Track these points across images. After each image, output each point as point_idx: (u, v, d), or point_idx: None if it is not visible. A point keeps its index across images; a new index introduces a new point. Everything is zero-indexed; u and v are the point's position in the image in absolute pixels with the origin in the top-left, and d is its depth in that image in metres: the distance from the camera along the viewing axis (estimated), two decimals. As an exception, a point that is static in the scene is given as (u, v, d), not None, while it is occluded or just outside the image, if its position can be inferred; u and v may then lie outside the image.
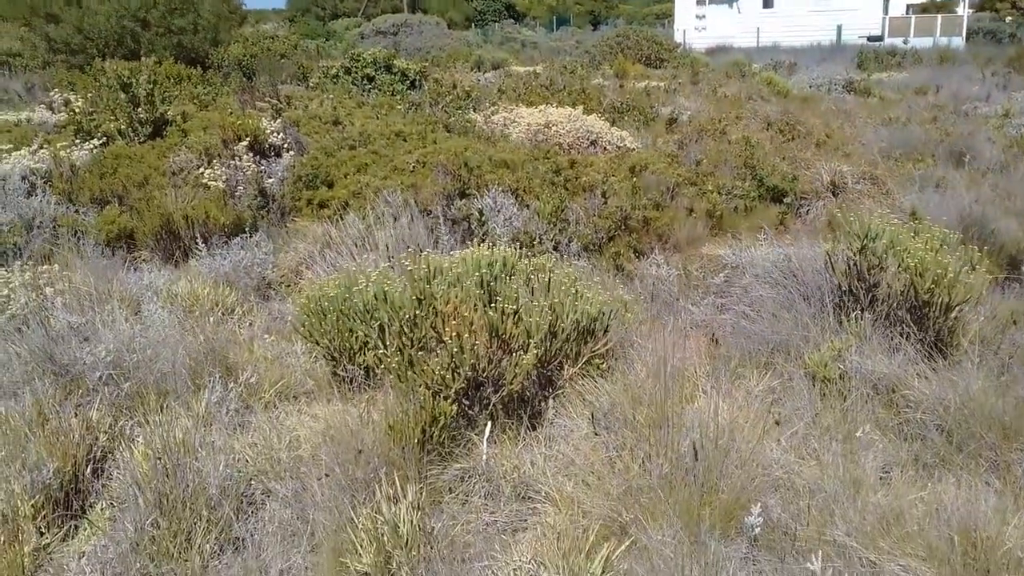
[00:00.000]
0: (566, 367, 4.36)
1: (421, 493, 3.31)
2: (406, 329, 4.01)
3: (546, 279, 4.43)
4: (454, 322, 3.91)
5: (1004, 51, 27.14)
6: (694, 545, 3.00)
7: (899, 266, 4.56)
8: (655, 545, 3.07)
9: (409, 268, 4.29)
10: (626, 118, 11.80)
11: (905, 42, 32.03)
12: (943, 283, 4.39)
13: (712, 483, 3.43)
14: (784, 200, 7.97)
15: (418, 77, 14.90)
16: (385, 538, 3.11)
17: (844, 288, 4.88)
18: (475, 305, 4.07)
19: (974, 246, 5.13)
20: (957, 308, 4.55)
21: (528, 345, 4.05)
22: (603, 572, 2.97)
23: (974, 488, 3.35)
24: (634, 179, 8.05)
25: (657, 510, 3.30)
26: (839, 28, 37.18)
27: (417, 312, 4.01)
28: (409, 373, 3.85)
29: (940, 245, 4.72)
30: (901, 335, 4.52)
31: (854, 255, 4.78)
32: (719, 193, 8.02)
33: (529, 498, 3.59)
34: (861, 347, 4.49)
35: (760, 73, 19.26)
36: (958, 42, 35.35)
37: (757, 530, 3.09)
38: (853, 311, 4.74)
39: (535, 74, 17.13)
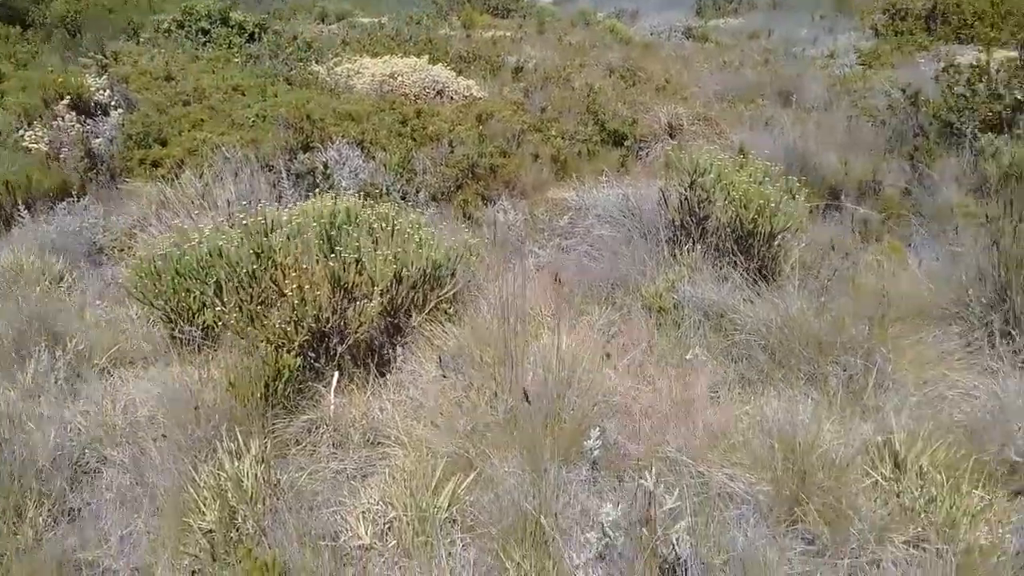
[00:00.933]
0: (414, 314, 4.38)
1: (266, 447, 3.28)
2: (245, 284, 3.93)
3: (389, 228, 4.42)
4: (294, 274, 3.86)
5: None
6: (536, 473, 3.11)
7: (726, 199, 4.80)
8: (500, 476, 3.17)
9: (245, 222, 4.18)
10: (473, 67, 11.77)
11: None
12: (765, 213, 4.65)
13: (555, 413, 3.55)
14: (625, 143, 8.20)
15: (257, 30, 14.33)
16: (229, 494, 3.07)
17: (677, 223, 5.09)
18: (316, 257, 4.02)
19: (795, 177, 5.46)
20: (779, 236, 4.85)
21: (373, 294, 4.05)
22: (449, 505, 3.04)
23: (793, 399, 3.61)
24: (480, 127, 8.09)
25: (503, 443, 3.40)
26: (679, -24, 38.02)
27: (255, 267, 3.93)
28: (249, 329, 3.78)
29: (763, 178, 4.98)
30: (730, 264, 4.78)
31: (685, 191, 4.99)
32: (563, 139, 8.17)
33: (379, 443, 3.62)
34: (693, 277, 4.71)
35: (604, 21, 19.56)
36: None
37: (596, 453, 3.23)
38: (686, 244, 4.96)
39: (380, 25, 16.79)
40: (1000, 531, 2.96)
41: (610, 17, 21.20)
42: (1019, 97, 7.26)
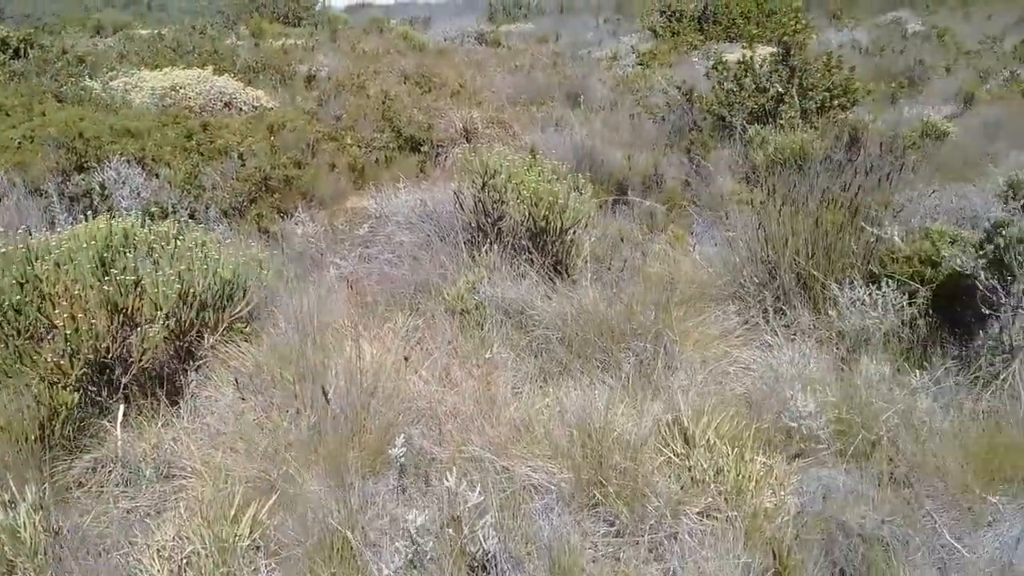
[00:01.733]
0: (207, 336, 4.18)
1: (44, 492, 3.02)
2: (9, 319, 3.60)
3: (172, 247, 4.19)
4: (65, 303, 3.58)
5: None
6: (341, 488, 3.05)
7: (517, 198, 4.90)
8: (304, 495, 3.08)
9: (2, 251, 3.83)
10: (262, 77, 11.42)
11: (529, -5, 34.11)
12: (556, 209, 4.80)
13: (360, 424, 3.50)
14: (422, 149, 8.22)
15: (22, 45, 13.25)
16: (5, 547, 2.81)
17: (474, 224, 5.15)
18: (90, 283, 3.75)
19: (584, 175, 5.67)
20: (571, 231, 5.01)
21: (157, 318, 3.83)
22: (251, 532, 2.92)
23: (590, 388, 3.74)
24: (272, 139, 7.86)
25: (307, 461, 3.31)
26: (470, -17, 38.64)
27: (19, 298, 3.61)
28: (18, 367, 3.48)
29: (552, 176, 5.13)
30: (526, 261, 4.89)
31: (478, 193, 5.05)
32: (360, 147, 8.08)
33: (173, 476, 3.42)
34: (492, 277, 4.78)
35: (397, 28, 19.55)
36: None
37: (402, 460, 3.21)
38: (484, 245, 5.03)
39: (160, 36, 15.96)
40: (782, 494, 3.19)
41: (403, 24, 21.22)
42: (780, 90, 7.88)
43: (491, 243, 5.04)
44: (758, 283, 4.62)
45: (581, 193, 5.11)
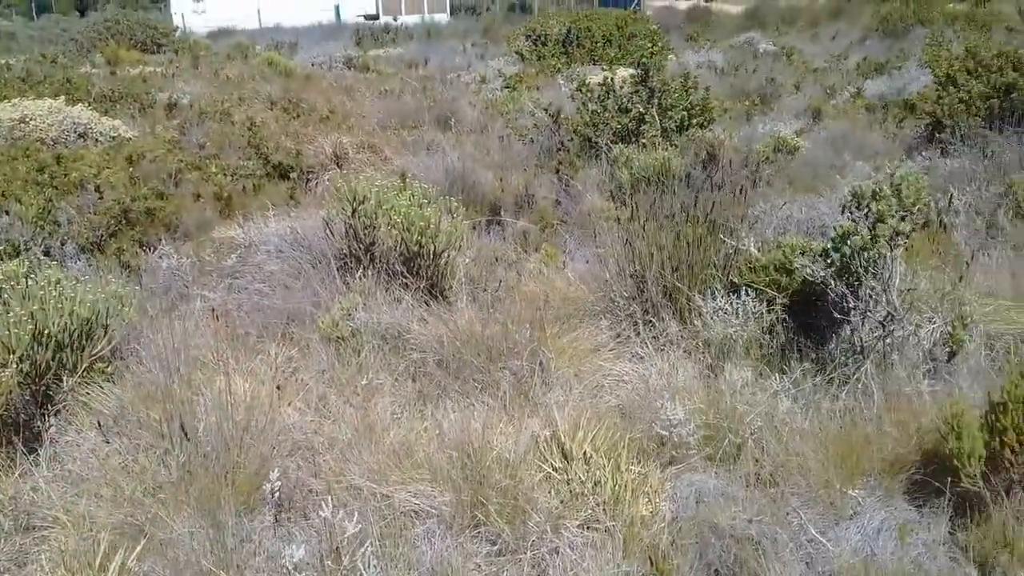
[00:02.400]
0: (65, 378, 3.98)
1: None
2: None
3: (22, 287, 3.98)
4: (-97, 352, 3.35)
5: (481, 23, 30.38)
6: (215, 528, 2.96)
7: (388, 223, 4.89)
8: (176, 538, 2.97)
9: None
10: (120, 107, 11.00)
11: (395, 19, 34.17)
12: (428, 233, 4.81)
13: (233, 461, 3.40)
14: (291, 175, 8.09)
15: None
16: None
17: (346, 251, 5.11)
18: (-69, 329, 3.52)
19: (456, 198, 5.71)
20: (445, 254, 5.03)
21: (8, 362, 3.62)
22: (119, 580, 2.80)
23: (469, 408, 3.76)
24: (132, 169, 7.57)
25: (178, 502, 3.19)
26: (337, 8, 38.44)
27: None
28: None
29: (424, 200, 5.15)
30: (401, 286, 4.88)
31: (349, 219, 5.01)
32: (226, 175, 7.88)
33: (34, 527, 3.24)
34: (367, 303, 4.75)
35: (262, 54, 19.19)
36: (443, 17, 38.66)
37: (278, 494, 3.14)
38: (357, 271, 4.99)
39: (8, 66, 15.16)
40: (657, 501, 3.29)
41: (269, 49, 20.85)
42: (641, 110, 8.16)
43: (365, 269, 5.01)
44: (627, 297, 4.75)
45: (453, 216, 5.15)
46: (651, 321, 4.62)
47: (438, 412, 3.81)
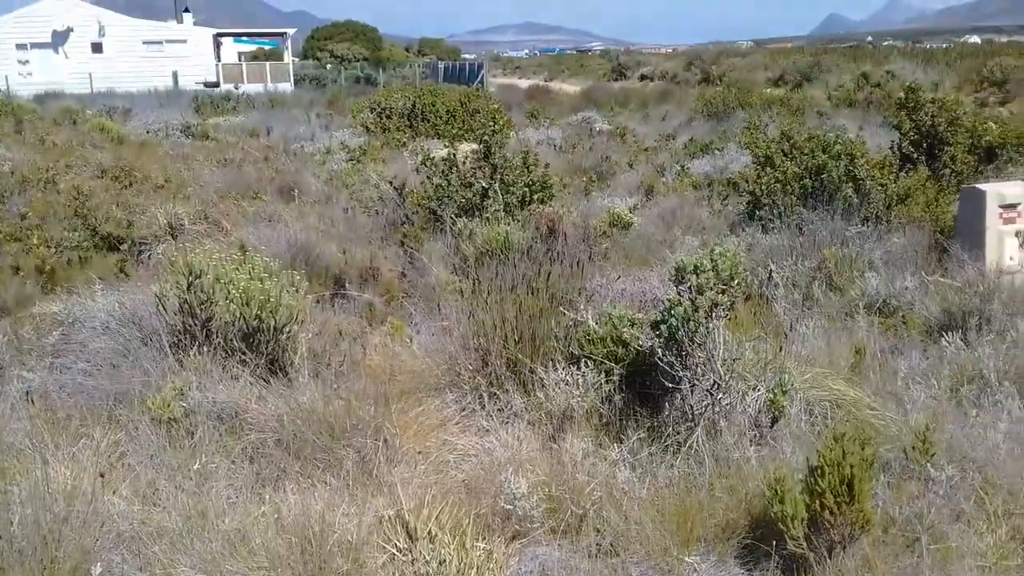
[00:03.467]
0: None
1: None
2: None
3: None
4: None
5: (326, 94, 30.38)
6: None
7: (226, 297, 4.75)
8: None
9: None
10: (-71, 173, 10.24)
11: (237, 87, 33.65)
12: (268, 307, 4.70)
13: (50, 556, 3.16)
14: (122, 247, 7.73)
15: None
16: None
17: (180, 327, 4.91)
18: None
19: (298, 270, 5.62)
20: (286, 328, 4.92)
21: None
22: None
23: (310, 490, 3.65)
24: (-60, 241, 7.03)
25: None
26: (175, 74, 37.49)
27: None
28: None
29: (264, 273, 5.04)
30: (239, 363, 4.72)
31: (184, 293, 4.84)
32: (49, 246, 7.44)
33: None
34: (203, 382, 4.57)
35: (93, 119, 18.40)
36: (287, 87, 38.41)
37: (100, 593, 2.93)
38: (192, 348, 4.80)
39: None
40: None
41: (100, 115, 20.02)
42: (484, 185, 8.36)
43: (200, 346, 4.82)
44: (473, 370, 4.79)
45: (296, 289, 5.06)
46: (496, 394, 4.67)
47: (277, 495, 3.68)
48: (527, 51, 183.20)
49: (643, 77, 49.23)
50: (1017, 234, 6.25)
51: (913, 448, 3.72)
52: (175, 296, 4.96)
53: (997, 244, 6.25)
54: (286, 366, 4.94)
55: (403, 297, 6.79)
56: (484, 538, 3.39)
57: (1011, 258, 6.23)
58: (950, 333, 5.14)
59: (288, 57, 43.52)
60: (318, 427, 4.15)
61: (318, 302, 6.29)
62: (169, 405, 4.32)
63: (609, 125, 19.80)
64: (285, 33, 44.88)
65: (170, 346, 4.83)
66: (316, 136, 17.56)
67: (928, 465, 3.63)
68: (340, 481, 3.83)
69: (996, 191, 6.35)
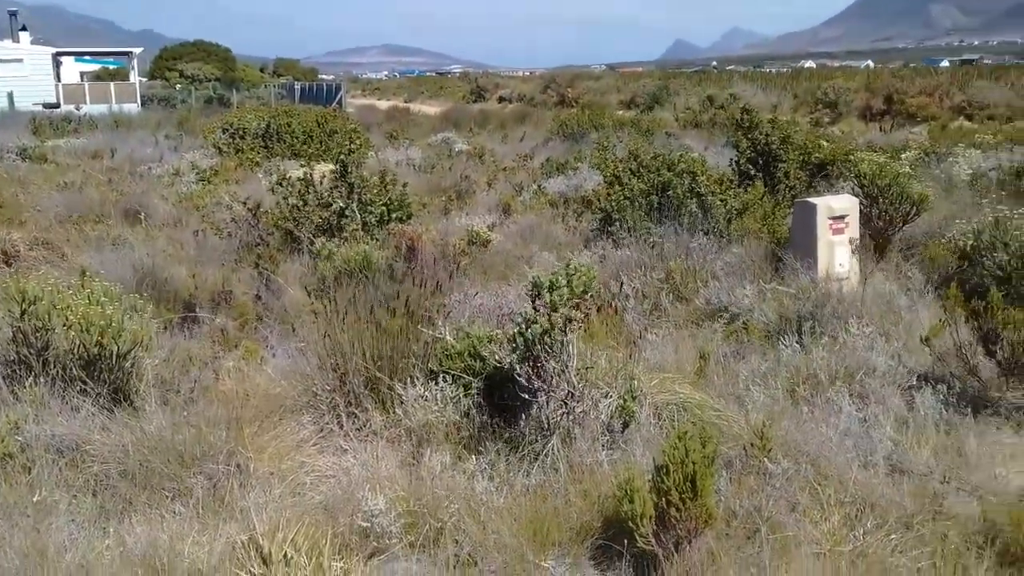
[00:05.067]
0: None
1: None
2: None
3: None
4: None
5: (175, 115, 29.30)
6: None
7: (64, 324, 4.52)
8: None
9: None
10: None
11: (78, 108, 31.99)
12: (109, 333, 4.51)
13: None
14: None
15: None
16: None
17: (13, 357, 4.63)
18: None
19: (145, 295, 5.41)
20: (130, 355, 4.73)
21: None
22: None
23: (157, 520, 3.52)
24: None
25: None
26: (11, 95, 35.29)
27: None
28: None
29: (105, 299, 4.82)
30: (80, 392, 4.49)
31: (17, 321, 4.57)
32: None
33: None
34: (40, 414, 4.33)
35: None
36: (134, 108, 36.80)
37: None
38: (27, 379, 4.54)
39: None
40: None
41: (-78, 136, 18.58)
42: (342, 204, 8.29)
43: (36, 376, 4.56)
44: (330, 390, 4.73)
45: (141, 314, 4.87)
46: (354, 413, 4.63)
47: (122, 527, 3.53)
48: (387, 73, 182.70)
49: (501, 99, 50.00)
50: (850, 242, 6.72)
51: (752, 445, 3.95)
52: (8, 324, 4.68)
53: (828, 253, 6.70)
54: (131, 394, 4.75)
55: (258, 320, 6.64)
56: (342, 557, 3.36)
57: (841, 265, 6.68)
58: (786, 337, 5.48)
59: (135, 77, 41.60)
60: (166, 455, 4.01)
61: (167, 327, 6.07)
62: (3, 440, 4.07)
63: (468, 145, 19.98)
64: (131, 52, 42.85)
65: (3, 378, 4.55)
66: (165, 157, 16.90)
67: (766, 460, 3.87)
68: (190, 510, 3.72)
69: (826, 204, 6.81)
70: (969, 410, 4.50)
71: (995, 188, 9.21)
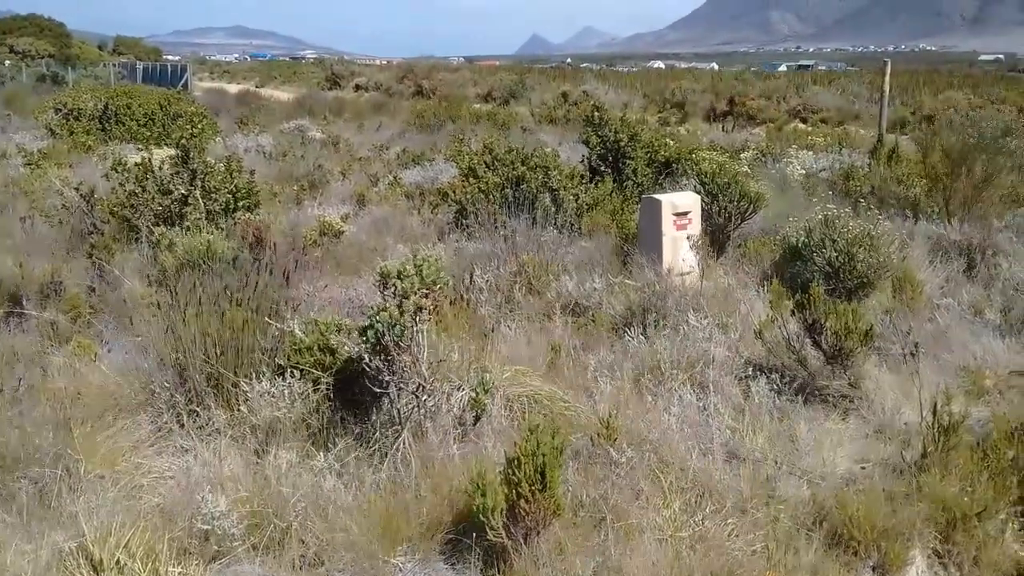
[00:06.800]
0: None
1: None
2: None
3: None
4: None
5: (2, 93, 27.22)
6: None
7: None
8: None
9: None
10: None
11: None
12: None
13: None
14: None
15: None
16: None
17: None
18: None
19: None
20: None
21: None
22: None
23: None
24: None
25: None
26: None
27: None
28: None
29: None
30: None
31: None
32: None
33: None
34: None
35: None
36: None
37: None
38: None
39: None
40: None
41: None
42: (184, 192, 7.92)
43: None
44: (169, 387, 4.52)
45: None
46: (196, 411, 4.44)
47: (-67, 540, 3.25)
48: (237, 55, 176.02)
49: (358, 87, 49.10)
50: (688, 238, 6.99)
51: (599, 435, 4.06)
52: None
53: (672, 248, 6.96)
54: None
55: (92, 313, 6.26)
56: (180, 563, 3.23)
57: (684, 260, 6.95)
58: (632, 329, 5.66)
59: (-44, 50, 38.45)
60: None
61: (-7, 320, 5.64)
62: None
63: (323, 134, 19.54)
64: (-49, 23, 39.57)
65: None
66: (-9, 138, 15.69)
67: (611, 449, 3.97)
68: (14, 517, 3.47)
69: (670, 200, 7.07)
70: (800, 398, 4.78)
71: (825, 188, 9.81)
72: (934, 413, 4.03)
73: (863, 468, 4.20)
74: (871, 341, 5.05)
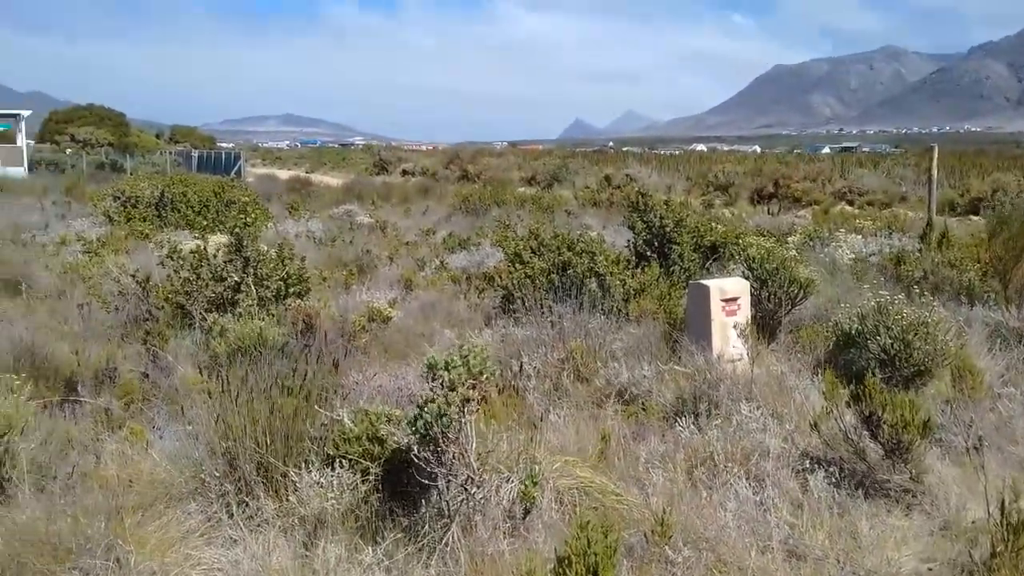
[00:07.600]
0: None
1: None
2: None
3: None
4: None
5: (64, 181, 28.32)
6: None
7: (-71, 408, 4.22)
8: None
9: None
10: None
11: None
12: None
13: None
14: None
15: None
16: None
17: None
18: None
19: (22, 373, 5.10)
20: (3, 440, 4.43)
21: None
22: None
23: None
24: None
25: None
26: None
27: None
28: None
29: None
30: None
31: None
32: None
33: None
34: None
35: None
36: (20, 172, 35.45)
37: None
38: None
39: None
40: None
41: None
42: (236, 279, 8.08)
43: None
44: (219, 476, 4.53)
45: (16, 395, 4.58)
46: (245, 501, 4.43)
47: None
48: (288, 142, 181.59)
49: (404, 172, 50.29)
50: (736, 325, 6.92)
51: (653, 532, 3.95)
52: None
53: (721, 334, 6.88)
54: (3, 482, 4.44)
55: (144, 400, 6.34)
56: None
57: (734, 347, 6.87)
58: (684, 418, 5.56)
59: (22, 140, 40.17)
60: (39, 549, 3.74)
61: (46, 408, 5.73)
62: None
63: (371, 218, 19.92)
64: (19, 114, 41.41)
65: None
66: (51, 225, 16.26)
67: (667, 547, 3.86)
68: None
69: (719, 286, 7.03)
70: (860, 492, 4.63)
71: (875, 273, 9.70)
72: (1002, 510, 3.87)
73: (930, 569, 4.03)
74: (931, 433, 4.90)
